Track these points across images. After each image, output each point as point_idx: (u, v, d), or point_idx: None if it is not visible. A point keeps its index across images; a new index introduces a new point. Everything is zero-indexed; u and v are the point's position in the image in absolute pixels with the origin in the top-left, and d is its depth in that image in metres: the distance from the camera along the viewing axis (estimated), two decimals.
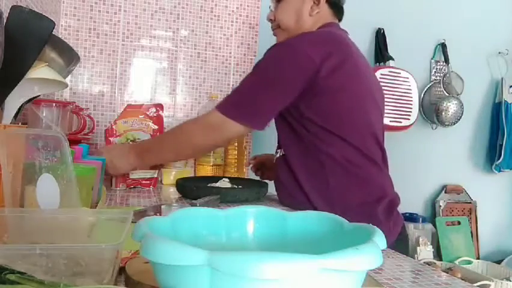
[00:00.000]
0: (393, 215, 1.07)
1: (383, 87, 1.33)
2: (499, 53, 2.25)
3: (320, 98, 1.02)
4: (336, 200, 1.01)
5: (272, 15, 1.20)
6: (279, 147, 1.17)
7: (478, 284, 1.71)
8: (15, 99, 0.69)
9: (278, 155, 1.16)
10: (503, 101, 2.23)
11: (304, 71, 1.00)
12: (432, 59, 2.15)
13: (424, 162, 2.15)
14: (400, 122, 1.91)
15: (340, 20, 1.19)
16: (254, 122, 1.06)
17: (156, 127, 1.32)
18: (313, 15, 1.13)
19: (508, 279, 1.90)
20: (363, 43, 1.95)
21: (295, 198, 1.08)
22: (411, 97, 1.95)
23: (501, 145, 2.22)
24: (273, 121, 1.20)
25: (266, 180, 1.36)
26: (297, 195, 1.07)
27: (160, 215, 0.91)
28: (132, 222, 0.49)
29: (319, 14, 1.13)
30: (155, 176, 1.31)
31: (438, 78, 2.13)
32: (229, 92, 1.46)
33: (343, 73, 1.02)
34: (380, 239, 0.35)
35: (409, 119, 1.94)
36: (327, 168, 1.03)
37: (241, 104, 1.05)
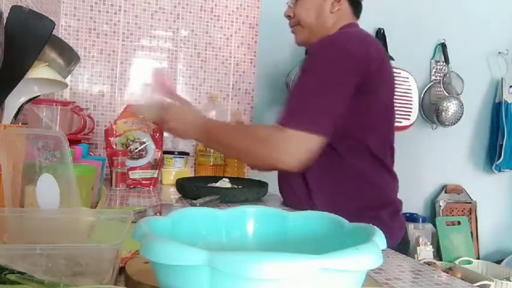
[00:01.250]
0: (398, 218, 1.06)
1: None
2: (499, 53, 2.25)
3: (357, 101, 0.97)
4: (344, 204, 0.98)
5: (291, 12, 1.16)
6: None
7: (478, 284, 1.71)
8: (15, 99, 0.69)
9: None
10: (503, 101, 2.23)
11: (358, 70, 0.96)
12: (432, 59, 2.15)
13: (424, 162, 2.15)
14: (400, 122, 1.91)
15: (358, 17, 1.16)
16: (326, 130, 0.94)
17: (156, 127, 1.32)
18: (334, 12, 1.11)
19: (508, 279, 1.90)
20: None
21: (301, 200, 1.06)
22: (411, 97, 1.95)
23: (501, 145, 2.22)
24: None
25: (266, 180, 1.35)
26: (304, 198, 1.05)
27: (160, 215, 0.91)
28: (132, 222, 0.49)
29: (339, 11, 1.11)
30: (155, 176, 1.31)
31: (438, 78, 2.13)
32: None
33: (381, 77, 1.01)
34: (380, 239, 0.35)
35: (409, 119, 1.94)
36: (345, 175, 1.01)
37: (310, 111, 0.94)
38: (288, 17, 1.18)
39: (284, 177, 1.13)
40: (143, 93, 1.20)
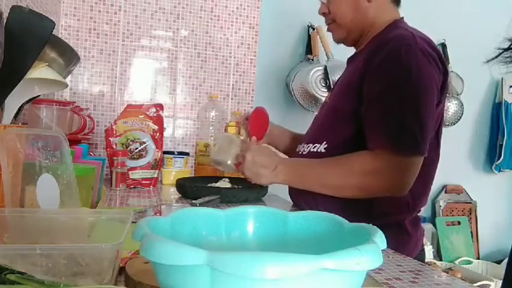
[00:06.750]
0: (419, 227, 1.04)
1: None
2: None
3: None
4: (366, 212, 0.94)
5: (325, 9, 1.08)
6: (310, 142, 1.06)
7: (478, 284, 1.71)
8: (15, 99, 0.69)
9: (310, 151, 1.05)
10: (503, 101, 2.24)
11: (440, 81, 0.95)
12: None
13: None
14: None
15: (398, 4, 1.08)
16: (426, 147, 0.90)
17: (156, 127, 1.32)
18: (371, 0, 1.02)
19: None
20: None
21: (316, 205, 0.99)
22: None
23: (501, 145, 2.22)
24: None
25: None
26: (320, 200, 0.99)
27: (160, 215, 0.91)
28: (132, 222, 0.49)
29: (377, 1, 1.03)
30: (155, 176, 1.31)
31: None
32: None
33: (447, 85, 0.99)
34: (380, 239, 0.35)
35: None
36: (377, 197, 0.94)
37: (417, 133, 0.88)
38: (323, 14, 1.10)
39: (308, 192, 1.02)
40: (217, 138, 1.19)
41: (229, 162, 1.14)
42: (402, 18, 1.06)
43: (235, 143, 1.16)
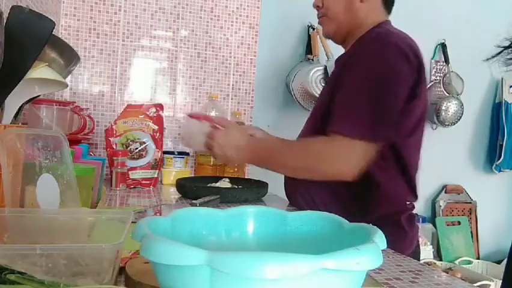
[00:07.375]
0: (415, 224, 1.05)
1: None
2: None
3: (405, 105, 0.94)
4: (360, 214, 0.96)
5: (320, 2, 1.11)
6: None
7: (478, 284, 1.71)
8: (15, 99, 0.69)
9: None
10: (503, 101, 2.24)
11: (413, 74, 0.95)
12: (432, 59, 2.15)
13: (424, 162, 2.14)
14: None
15: (389, 12, 1.12)
16: (385, 136, 0.92)
17: (156, 127, 1.32)
18: (364, 1, 1.06)
19: None
20: None
21: (319, 208, 1.01)
22: None
23: (501, 145, 2.22)
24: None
25: (266, 180, 1.35)
26: (322, 207, 1.00)
27: (160, 215, 0.91)
28: (132, 222, 0.49)
29: (370, 3, 1.06)
30: (155, 176, 1.31)
31: (438, 78, 2.13)
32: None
33: (425, 80, 0.99)
34: (380, 239, 0.35)
35: None
36: (372, 194, 0.96)
37: (370, 119, 0.91)
38: (317, 7, 1.13)
39: (303, 186, 1.06)
40: (187, 126, 1.22)
41: (200, 149, 1.17)
42: (388, 21, 1.10)
43: (201, 130, 1.15)
